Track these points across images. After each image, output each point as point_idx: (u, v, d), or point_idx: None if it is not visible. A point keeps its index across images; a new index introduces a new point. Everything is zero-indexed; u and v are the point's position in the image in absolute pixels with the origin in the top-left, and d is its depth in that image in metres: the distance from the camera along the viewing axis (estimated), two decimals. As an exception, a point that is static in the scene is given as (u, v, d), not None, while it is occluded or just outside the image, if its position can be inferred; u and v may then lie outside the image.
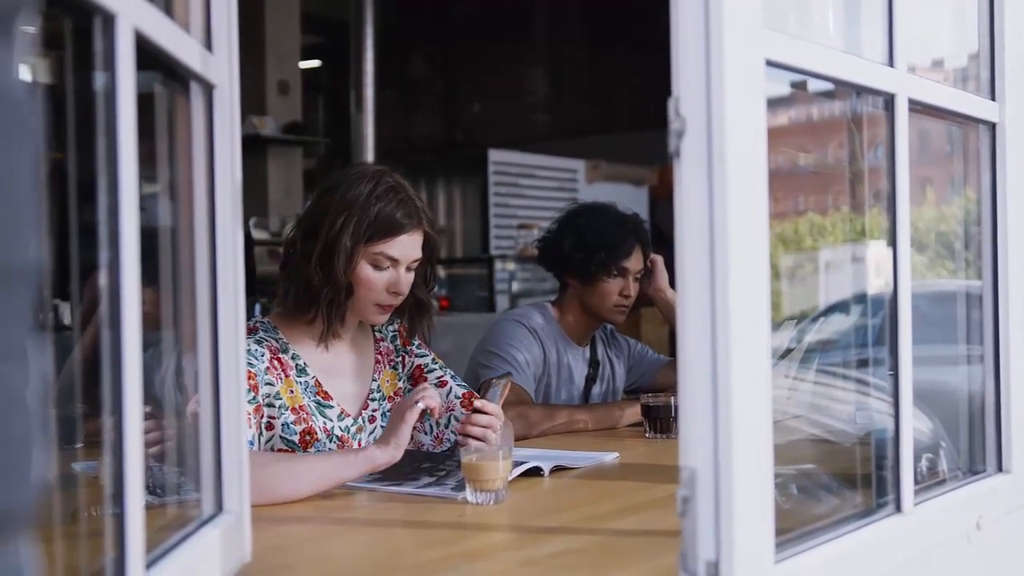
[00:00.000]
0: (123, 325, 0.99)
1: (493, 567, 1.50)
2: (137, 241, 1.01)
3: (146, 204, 1.10)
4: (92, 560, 1.12)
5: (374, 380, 2.31)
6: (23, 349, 0.56)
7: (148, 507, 1.05)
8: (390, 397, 2.32)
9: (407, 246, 2.17)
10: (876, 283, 1.94)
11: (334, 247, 2.12)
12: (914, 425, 1.54)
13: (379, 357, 2.34)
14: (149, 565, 1.06)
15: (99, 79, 1.00)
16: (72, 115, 1.08)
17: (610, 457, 2.31)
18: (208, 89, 1.33)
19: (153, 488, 1.30)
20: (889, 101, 1.49)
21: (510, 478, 1.90)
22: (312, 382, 2.19)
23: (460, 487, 1.88)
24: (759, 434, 1.18)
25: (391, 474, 2.02)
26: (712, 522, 1.14)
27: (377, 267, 2.15)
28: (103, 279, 0.98)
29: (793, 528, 1.32)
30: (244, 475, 1.38)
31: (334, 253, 2.12)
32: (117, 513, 1.01)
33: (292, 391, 2.15)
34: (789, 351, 2.23)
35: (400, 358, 2.37)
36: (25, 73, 0.58)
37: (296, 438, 2.13)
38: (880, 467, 1.57)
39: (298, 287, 2.16)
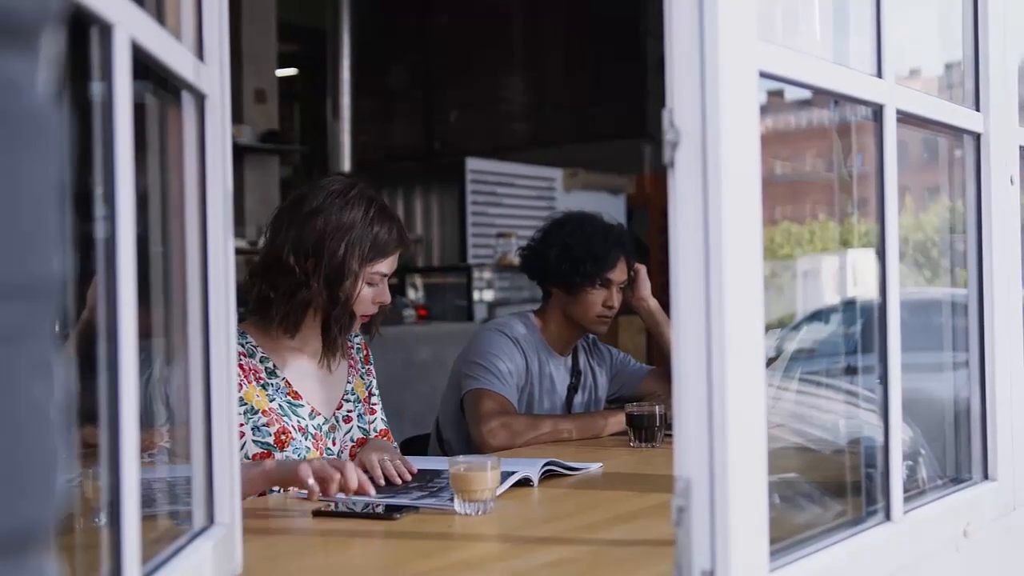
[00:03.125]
0: (119, 335, 0.98)
1: (486, 578, 1.50)
2: (133, 250, 1.00)
3: (137, 214, 1.09)
4: (86, 572, 1.11)
5: (348, 382, 2.38)
6: (48, 363, 0.56)
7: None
8: (363, 400, 2.40)
9: (395, 261, 2.29)
10: (855, 291, 1.95)
11: (342, 272, 2.19)
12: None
13: (352, 362, 2.41)
14: (144, 578, 1.06)
15: (95, 88, 0.99)
16: (66, 124, 1.08)
17: (595, 467, 2.31)
18: (200, 99, 1.32)
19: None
20: (878, 112, 1.50)
21: (502, 490, 1.89)
22: (282, 383, 2.24)
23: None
24: (754, 443, 1.19)
25: (383, 489, 2.01)
26: (707, 531, 1.15)
27: (370, 284, 2.25)
28: (100, 290, 0.98)
29: (785, 537, 1.32)
30: (236, 487, 1.37)
31: (343, 278, 2.19)
32: (109, 525, 1.00)
33: (258, 395, 2.19)
34: (771, 360, 2.24)
35: (365, 369, 2.46)
36: (49, 87, 0.57)
37: (271, 439, 2.17)
38: (868, 476, 1.58)
39: (296, 307, 2.20)
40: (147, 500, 1.38)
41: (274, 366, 2.24)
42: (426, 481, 2.09)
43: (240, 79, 7.22)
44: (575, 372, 3.10)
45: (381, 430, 2.41)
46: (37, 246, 0.55)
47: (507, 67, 9.61)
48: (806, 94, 1.55)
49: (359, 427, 2.36)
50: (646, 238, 7.33)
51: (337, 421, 2.32)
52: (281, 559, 1.60)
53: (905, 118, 1.57)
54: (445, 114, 9.90)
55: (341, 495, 1.95)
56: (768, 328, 2.25)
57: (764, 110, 1.51)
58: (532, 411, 2.94)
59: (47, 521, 0.55)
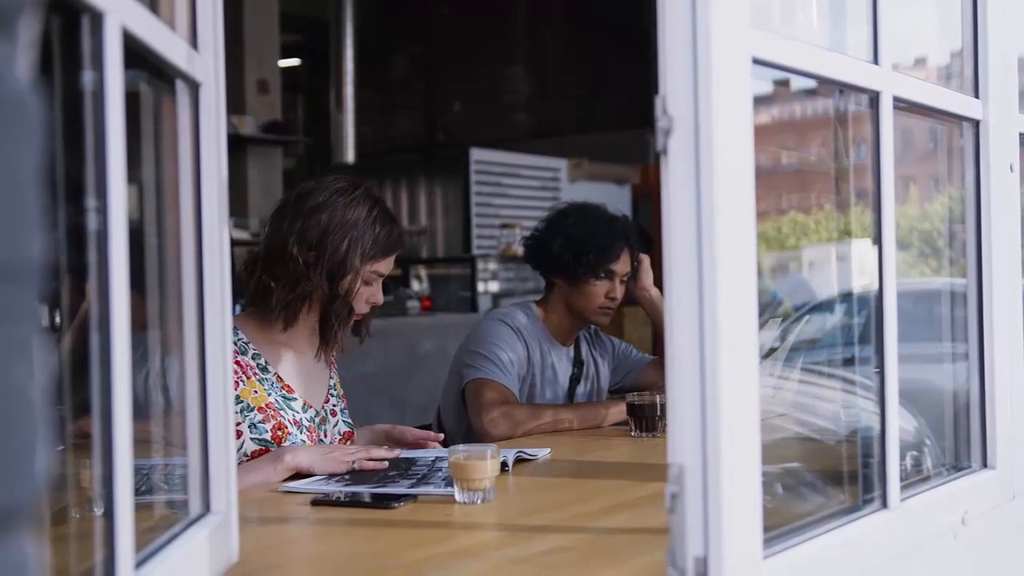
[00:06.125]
0: (112, 326, 0.98)
1: (483, 566, 1.50)
2: (126, 242, 1.00)
3: (132, 204, 1.09)
4: (80, 561, 1.12)
5: (331, 378, 2.42)
6: (28, 345, 0.56)
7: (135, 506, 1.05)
8: (342, 396, 2.45)
9: (392, 262, 2.33)
10: (860, 282, 1.95)
11: (343, 267, 2.22)
12: (899, 423, 1.55)
13: (332, 360, 2.44)
14: (138, 565, 1.06)
15: (86, 77, 0.99)
16: (57, 114, 1.08)
17: (543, 453, 2.32)
18: (194, 88, 1.32)
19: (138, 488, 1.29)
20: (874, 99, 1.49)
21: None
22: (275, 378, 2.26)
23: (450, 483, 1.87)
24: (747, 430, 1.19)
25: (365, 480, 2.01)
26: (701, 518, 1.15)
27: (366, 283, 2.28)
28: (92, 281, 0.98)
29: (781, 525, 1.32)
30: (231, 476, 1.38)
31: (344, 273, 2.23)
32: (104, 513, 1.00)
33: (256, 391, 2.22)
34: (773, 350, 2.24)
35: (336, 368, 2.50)
36: (28, 70, 0.58)
37: (268, 435, 2.20)
38: (866, 464, 1.58)
39: (296, 298, 2.23)
40: (146, 489, 1.39)
41: (266, 362, 2.27)
42: (404, 470, 2.09)
43: (243, 70, 7.22)
44: (577, 362, 3.10)
45: (345, 432, 2.42)
46: (16, 230, 0.55)
47: (509, 57, 9.61)
48: (812, 83, 1.55)
49: (344, 421, 2.42)
50: (651, 228, 7.33)
51: (326, 414, 2.36)
52: (278, 547, 1.61)
53: (903, 105, 1.56)
54: (448, 105, 9.91)
55: (336, 487, 1.95)
56: (774, 318, 2.25)
57: (770, 100, 1.51)
58: (534, 401, 2.94)
59: (28, 503, 0.56)
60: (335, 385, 2.43)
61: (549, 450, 2.36)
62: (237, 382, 2.17)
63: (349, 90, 8.40)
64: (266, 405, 2.21)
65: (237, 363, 2.20)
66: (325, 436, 2.33)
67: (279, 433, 2.20)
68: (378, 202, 2.30)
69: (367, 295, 2.29)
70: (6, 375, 0.54)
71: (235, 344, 2.22)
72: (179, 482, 1.38)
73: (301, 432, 2.24)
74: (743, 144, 1.19)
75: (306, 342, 2.33)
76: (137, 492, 1.09)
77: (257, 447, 2.17)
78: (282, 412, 2.22)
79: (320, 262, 2.21)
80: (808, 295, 2.10)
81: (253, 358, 2.25)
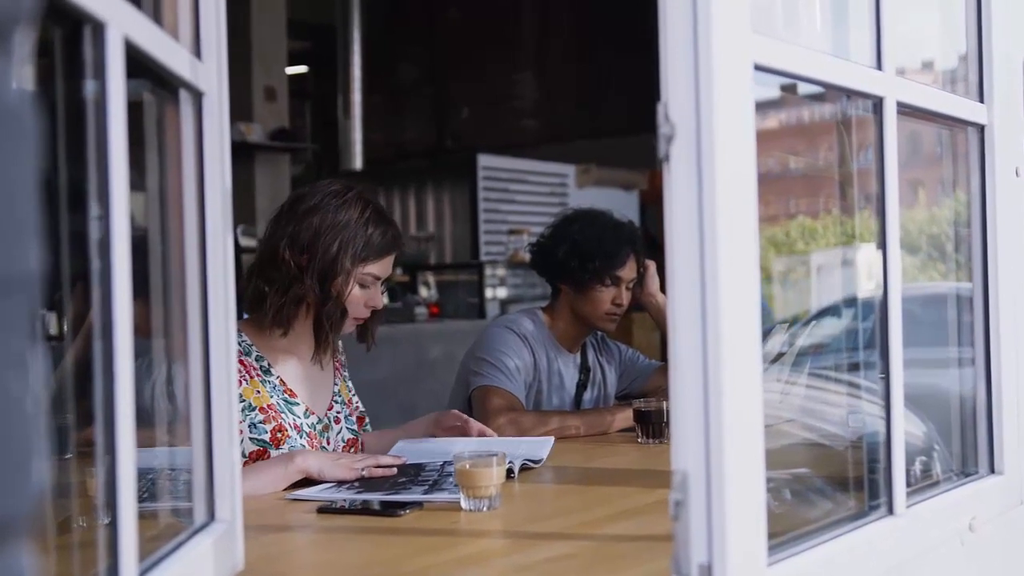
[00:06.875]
0: (115, 335, 0.99)
1: (489, 573, 1.50)
2: (128, 250, 1.00)
3: (134, 213, 1.09)
4: (84, 569, 1.12)
5: (335, 384, 2.41)
6: (24, 356, 0.56)
7: (139, 515, 1.05)
8: (347, 403, 2.43)
9: (389, 265, 2.32)
10: (867, 286, 1.95)
11: (334, 268, 2.22)
12: (907, 428, 1.54)
13: (337, 366, 2.44)
14: (142, 574, 1.06)
15: (88, 87, 1.00)
16: (60, 123, 1.08)
17: (547, 446, 2.33)
18: (197, 97, 1.32)
19: (142, 495, 1.30)
20: (878, 104, 1.49)
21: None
22: (277, 381, 2.27)
23: (458, 490, 1.87)
24: (751, 436, 1.19)
25: (376, 487, 2.01)
26: (704, 525, 1.15)
27: (362, 286, 2.27)
28: (95, 289, 0.98)
29: (786, 531, 1.32)
30: (236, 484, 1.38)
31: (335, 274, 2.22)
32: (109, 523, 1.00)
33: (259, 391, 2.22)
34: (781, 355, 2.23)
35: (346, 373, 2.49)
36: (24, 83, 0.58)
37: (267, 436, 2.20)
38: (872, 470, 1.57)
39: (289, 302, 2.23)
40: (150, 495, 1.39)
41: (268, 365, 2.26)
42: (414, 476, 2.09)
43: (250, 77, 7.21)
44: (584, 369, 3.10)
45: (349, 439, 2.42)
46: (13, 242, 0.55)
47: (516, 63, 9.60)
48: (820, 88, 1.54)
49: (347, 428, 2.41)
50: (659, 234, 7.30)
51: (329, 421, 2.35)
52: (284, 556, 1.61)
53: (907, 111, 1.56)
54: (456, 110, 9.90)
55: (347, 495, 1.95)
56: (781, 323, 2.23)
57: (777, 104, 1.51)
58: (541, 408, 2.94)
59: (22, 514, 0.56)
60: (339, 392, 2.42)
61: (552, 439, 2.38)
62: (240, 381, 2.17)
63: (356, 96, 8.41)
64: (267, 406, 2.21)
65: (240, 363, 2.20)
66: (328, 443, 2.32)
67: (278, 435, 2.20)
68: (371, 204, 2.29)
69: (365, 298, 2.28)
70: (2, 387, 0.54)
71: (239, 345, 2.23)
72: (183, 487, 1.39)
73: (301, 437, 2.24)
74: (745, 150, 1.19)
75: (308, 348, 2.33)
76: (141, 499, 1.10)
77: (256, 447, 2.17)
78: (283, 415, 2.22)
79: (312, 264, 2.21)
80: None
81: (256, 360, 2.25)
